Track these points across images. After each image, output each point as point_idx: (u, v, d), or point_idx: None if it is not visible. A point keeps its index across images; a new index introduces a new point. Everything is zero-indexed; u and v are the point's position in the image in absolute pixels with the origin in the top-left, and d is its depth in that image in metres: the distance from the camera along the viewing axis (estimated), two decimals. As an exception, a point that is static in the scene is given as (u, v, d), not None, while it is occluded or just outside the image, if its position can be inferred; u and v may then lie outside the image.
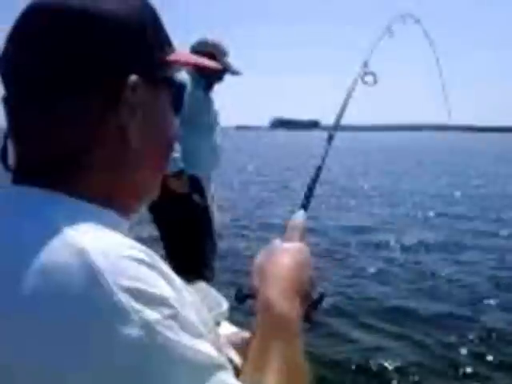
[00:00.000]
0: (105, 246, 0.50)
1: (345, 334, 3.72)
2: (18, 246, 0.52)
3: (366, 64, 1.16)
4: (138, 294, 0.48)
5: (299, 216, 0.85)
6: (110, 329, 0.47)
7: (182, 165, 3.04)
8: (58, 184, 0.58)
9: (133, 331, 0.47)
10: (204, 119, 3.26)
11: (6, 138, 0.63)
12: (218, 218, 3.50)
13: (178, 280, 0.57)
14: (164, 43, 0.66)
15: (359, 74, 1.14)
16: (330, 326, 3.76)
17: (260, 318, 0.69)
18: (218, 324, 1.19)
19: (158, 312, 0.49)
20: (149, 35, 0.63)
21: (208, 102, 3.34)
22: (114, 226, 0.56)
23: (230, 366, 0.56)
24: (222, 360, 0.55)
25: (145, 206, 0.73)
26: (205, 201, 3.26)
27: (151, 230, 3.50)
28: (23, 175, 0.60)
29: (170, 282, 0.53)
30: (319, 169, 0.95)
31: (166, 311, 0.50)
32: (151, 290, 0.50)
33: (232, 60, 3.38)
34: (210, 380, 0.51)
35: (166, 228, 3.27)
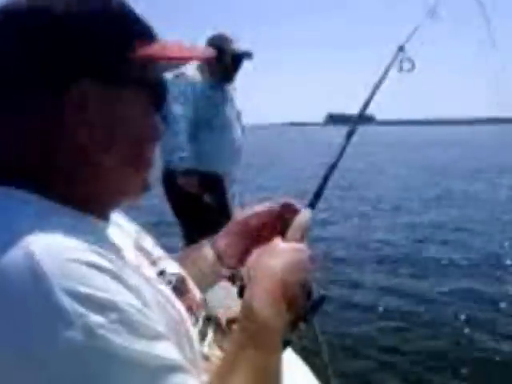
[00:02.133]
0: (54, 249, 0.50)
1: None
2: None
3: (402, 48, 1.07)
4: (83, 298, 0.48)
5: (305, 214, 0.81)
6: (50, 331, 0.46)
7: (190, 163, 3.07)
8: (29, 184, 0.58)
9: (73, 334, 0.46)
10: (220, 117, 3.25)
11: None
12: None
13: (137, 280, 0.57)
14: (131, 39, 0.62)
15: (394, 59, 1.05)
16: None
17: (240, 322, 0.67)
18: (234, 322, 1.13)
19: (102, 316, 0.48)
20: (104, 33, 0.60)
21: (225, 100, 3.31)
22: (83, 228, 0.56)
23: (190, 368, 0.55)
24: (180, 362, 0.54)
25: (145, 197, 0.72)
26: (222, 200, 3.26)
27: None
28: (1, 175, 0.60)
29: (124, 283, 0.53)
30: (333, 167, 0.90)
31: (113, 315, 0.49)
32: (98, 294, 0.49)
33: (242, 45, 3.31)
34: (163, 383, 0.51)
35: (181, 222, 3.35)
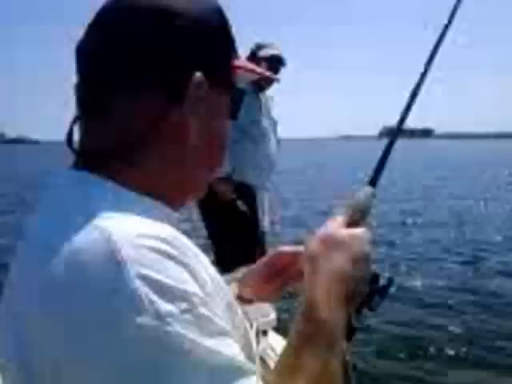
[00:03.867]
0: (133, 236, 0.51)
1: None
2: (63, 224, 0.55)
3: (450, 21, 0.92)
4: (157, 286, 0.49)
5: (364, 193, 0.75)
6: (123, 315, 0.48)
7: (228, 170, 3.11)
8: (114, 172, 0.61)
9: (145, 321, 0.47)
10: (256, 130, 3.26)
11: (73, 122, 0.66)
12: (268, 228, 3.49)
13: (207, 275, 0.57)
14: (231, 49, 0.68)
15: (443, 34, 0.90)
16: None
17: (301, 318, 0.65)
18: (264, 333, 1.16)
19: (173, 305, 0.49)
20: (217, 39, 0.66)
21: (261, 110, 3.31)
22: (157, 218, 0.57)
23: (254, 370, 0.54)
24: (245, 363, 0.53)
25: (193, 202, 0.77)
26: (253, 209, 3.27)
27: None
28: (84, 160, 0.63)
29: (195, 276, 0.53)
30: (391, 144, 0.82)
31: (183, 306, 0.50)
32: (170, 282, 0.50)
33: (269, 51, 3.31)
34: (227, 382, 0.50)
35: (211, 229, 3.36)
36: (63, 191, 0.61)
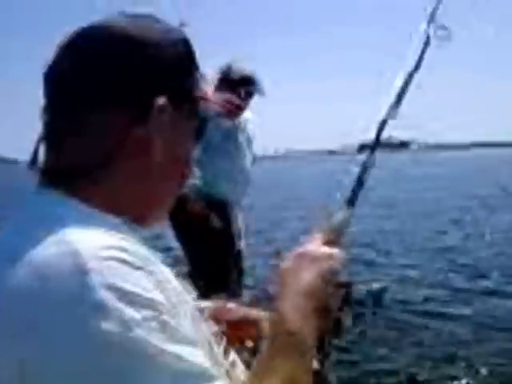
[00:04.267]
0: (98, 248, 0.53)
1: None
2: (27, 238, 0.56)
3: (432, 17, 0.94)
4: (122, 294, 0.51)
5: (340, 215, 0.80)
6: (89, 322, 0.49)
7: (200, 191, 3.11)
8: (78, 190, 0.63)
9: (110, 327, 0.49)
10: (228, 146, 3.28)
11: (38, 142, 0.68)
12: (244, 244, 3.48)
13: (174, 288, 0.59)
14: (194, 78, 0.72)
15: (425, 31, 0.92)
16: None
17: (271, 332, 0.69)
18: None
19: (138, 312, 0.51)
20: (182, 68, 0.70)
21: (234, 129, 3.32)
22: (121, 233, 0.59)
23: (218, 377, 0.56)
24: (209, 369, 0.55)
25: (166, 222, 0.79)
26: (227, 226, 3.26)
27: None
28: (49, 178, 0.65)
29: (159, 286, 0.55)
30: (367, 162, 0.84)
31: (148, 313, 0.52)
32: (136, 291, 0.52)
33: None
34: None
35: (186, 248, 3.33)
36: (28, 208, 0.64)
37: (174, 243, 3.50)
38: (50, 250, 0.54)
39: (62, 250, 0.54)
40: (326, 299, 0.72)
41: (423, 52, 0.93)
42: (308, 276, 0.71)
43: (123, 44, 0.66)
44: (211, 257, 3.18)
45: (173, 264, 0.67)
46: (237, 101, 3.04)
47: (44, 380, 0.50)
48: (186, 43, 0.72)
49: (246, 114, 3.42)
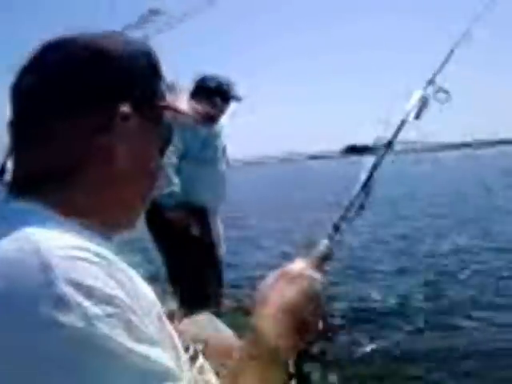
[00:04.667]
0: (61, 247, 0.54)
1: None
2: None
3: (432, 81, 1.02)
4: (84, 289, 0.51)
5: (324, 243, 0.84)
6: (50, 317, 0.50)
7: (179, 198, 3.11)
8: (43, 197, 0.65)
9: (72, 321, 0.49)
10: (207, 153, 3.30)
11: (7, 156, 0.71)
12: (223, 250, 3.51)
13: (139, 289, 0.60)
14: (158, 90, 0.75)
15: (426, 94, 1.00)
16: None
17: (247, 344, 0.72)
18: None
19: (100, 308, 0.51)
20: (146, 79, 0.72)
21: (211, 137, 3.35)
22: (86, 237, 0.60)
23: (182, 378, 0.57)
24: (174, 370, 0.56)
25: (137, 228, 0.78)
26: (206, 233, 3.27)
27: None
28: (16, 187, 0.67)
29: (122, 286, 0.56)
30: (360, 195, 0.88)
31: (110, 310, 0.52)
32: (98, 287, 0.52)
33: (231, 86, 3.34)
34: None
35: (165, 256, 3.32)
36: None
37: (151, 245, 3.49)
38: (11, 246, 0.55)
39: (23, 247, 0.54)
40: (306, 318, 0.73)
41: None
42: (289, 293, 0.73)
43: (86, 55, 0.68)
44: (190, 265, 3.18)
45: (151, 269, 0.67)
46: (211, 111, 3.12)
47: (7, 377, 0.50)
48: (149, 54, 0.74)
49: (223, 121, 3.49)
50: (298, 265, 0.78)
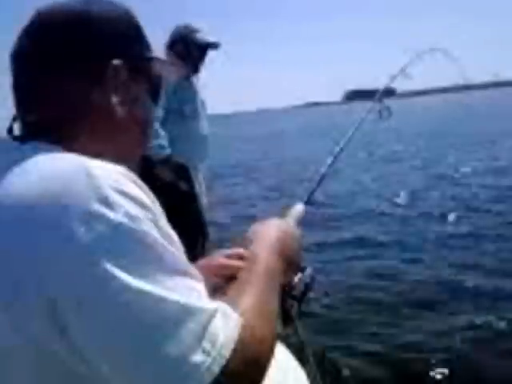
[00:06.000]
0: (99, 165, 0.61)
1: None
2: (25, 167, 0.63)
3: (380, 100, 1.21)
4: (125, 195, 0.58)
5: (299, 207, 0.99)
6: (98, 210, 0.56)
7: (167, 151, 3.11)
8: (55, 142, 0.70)
9: (116, 217, 0.56)
10: (189, 108, 3.31)
11: (13, 120, 0.77)
12: (207, 206, 3.55)
13: (162, 215, 0.64)
14: (144, 45, 0.83)
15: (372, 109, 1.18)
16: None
17: (246, 265, 0.77)
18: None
19: (139, 211, 0.58)
20: (129, 35, 0.80)
21: (193, 91, 3.37)
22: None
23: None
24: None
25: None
26: (192, 189, 3.28)
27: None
28: (29, 134, 0.73)
29: (154, 203, 0.63)
30: (332, 165, 1.00)
31: (148, 214, 0.59)
32: (137, 195, 0.59)
33: (206, 35, 3.31)
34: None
35: None
36: (18, 155, 0.67)
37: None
38: (57, 162, 0.61)
39: (71, 161, 0.61)
40: (291, 250, 0.85)
41: None
42: (277, 232, 0.86)
43: (75, 18, 0.75)
44: (177, 218, 3.08)
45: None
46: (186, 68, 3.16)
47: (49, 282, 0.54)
48: (127, 13, 0.81)
49: (202, 75, 3.47)
50: (277, 219, 0.92)
